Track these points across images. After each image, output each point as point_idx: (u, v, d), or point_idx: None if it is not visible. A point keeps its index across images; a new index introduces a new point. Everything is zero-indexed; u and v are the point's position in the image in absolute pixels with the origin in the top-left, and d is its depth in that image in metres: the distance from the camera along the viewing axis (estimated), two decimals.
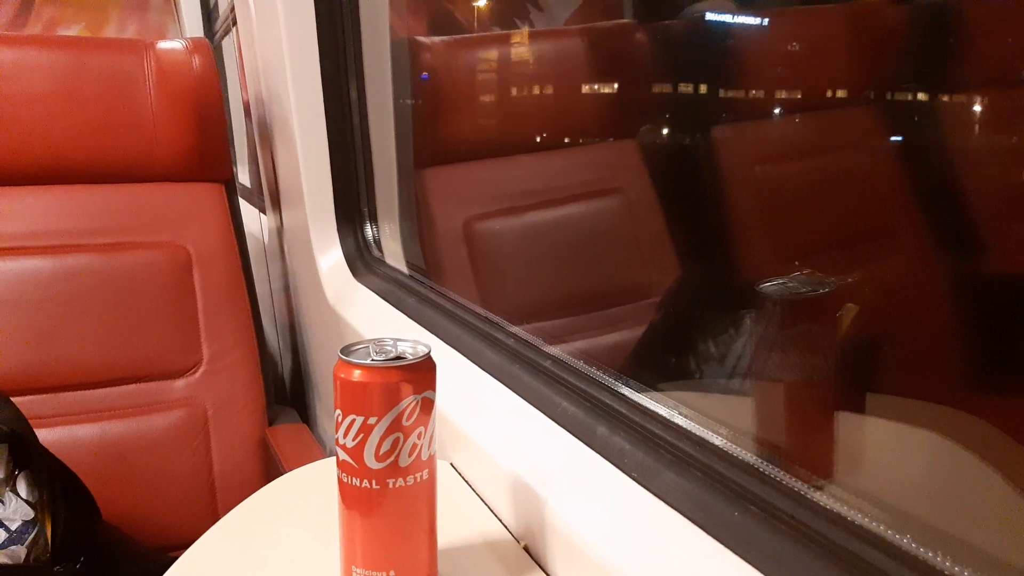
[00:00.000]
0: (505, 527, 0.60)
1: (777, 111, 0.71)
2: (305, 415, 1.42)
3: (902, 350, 0.55)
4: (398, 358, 0.48)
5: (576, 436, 0.59)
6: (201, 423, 1.17)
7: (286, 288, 1.48)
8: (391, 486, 0.48)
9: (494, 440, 0.64)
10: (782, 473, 0.45)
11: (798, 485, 0.44)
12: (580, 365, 0.66)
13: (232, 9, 1.59)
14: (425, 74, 1.19)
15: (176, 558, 0.59)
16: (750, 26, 0.75)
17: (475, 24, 1.46)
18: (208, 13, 2.45)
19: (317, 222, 1.20)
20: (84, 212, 1.23)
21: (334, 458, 0.50)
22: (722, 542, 0.44)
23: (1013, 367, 0.48)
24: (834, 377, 0.54)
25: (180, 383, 1.18)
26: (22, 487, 0.86)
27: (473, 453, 0.66)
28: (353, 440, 0.47)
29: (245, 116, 1.67)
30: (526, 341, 0.74)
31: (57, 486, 0.88)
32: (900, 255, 0.60)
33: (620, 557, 0.47)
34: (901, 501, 0.42)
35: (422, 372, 0.48)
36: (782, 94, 0.68)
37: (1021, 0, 0.46)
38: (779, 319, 0.57)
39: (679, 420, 0.54)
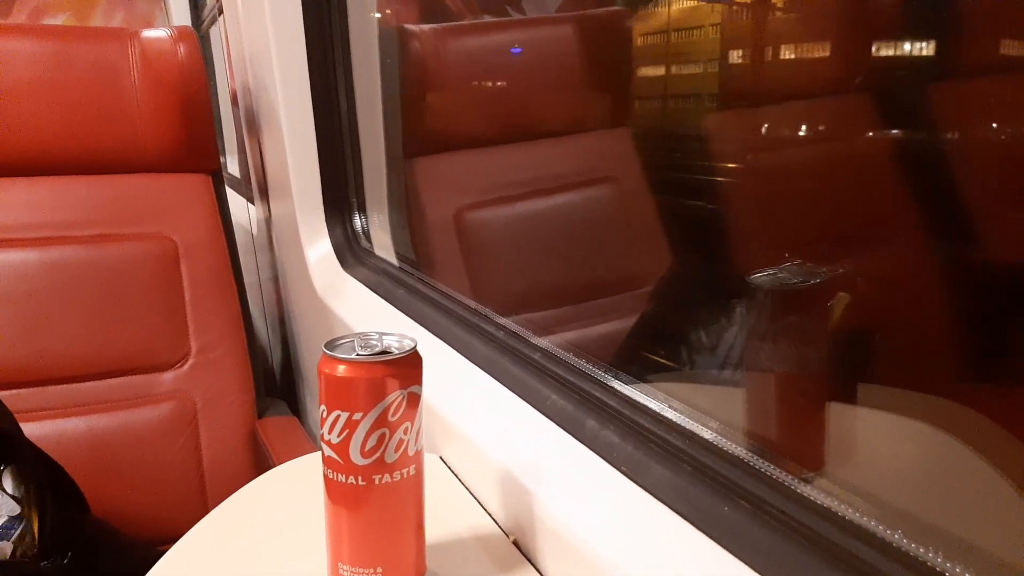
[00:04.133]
0: (495, 521, 0.60)
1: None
2: (295, 407, 1.41)
3: (894, 340, 0.54)
4: (383, 352, 0.48)
5: (565, 429, 0.58)
6: (190, 416, 1.16)
7: (275, 279, 1.47)
8: (377, 482, 0.47)
9: (483, 433, 0.64)
10: (772, 467, 0.45)
11: (788, 479, 0.44)
12: (569, 358, 0.65)
13: None
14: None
15: (165, 552, 0.59)
16: None
17: (465, 11, 1.44)
18: (195, 1, 2.43)
19: (305, 212, 1.19)
20: (69, 204, 1.21)
21: None
22: (712, 537, 0.44)
23: (1005, 357, 0.47)
24: (825, 369, 0.54)
25: (168, 376, 1.18)
26: (8, 482, 0.86)
27: (463, 446, 0.66)
28: (338, 436, 0.47)
29: (232, 105, 1.65)
30: (515, 333, 0.74)
31: (44, 481, 0.87)
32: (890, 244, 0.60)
33: (610, 552, 0.46)
34: (892, 495, 0.42)
35: (408, 367, 0.48)
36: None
37: None
38: (770, 310, 0.57)
39: (669, 414, 0.53)
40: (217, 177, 1.32)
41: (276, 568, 0.56)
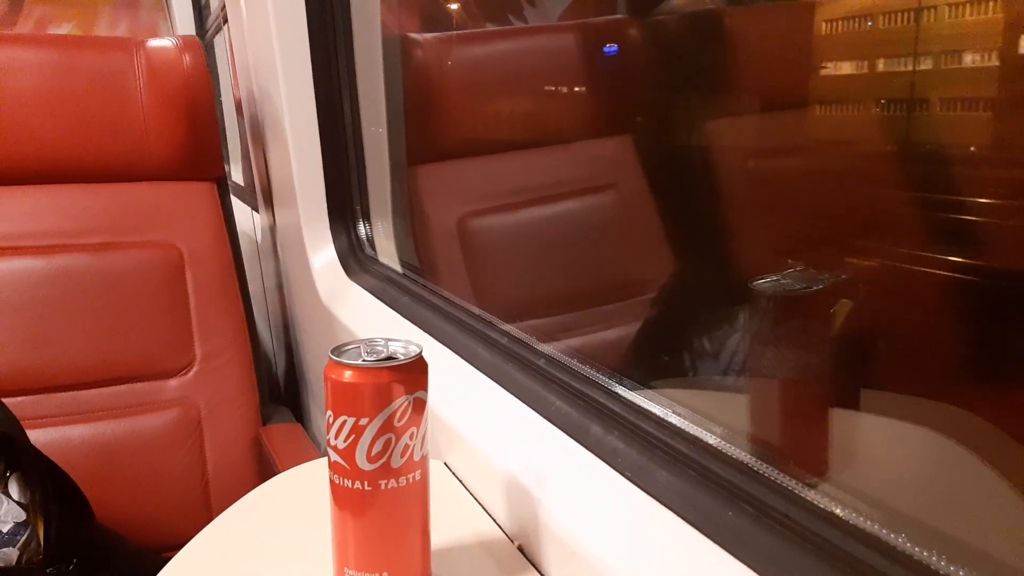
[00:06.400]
0: (499, 527, 0.60)
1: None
2: (299, 414, 1.42)
3: (896, 346, 0.55)
4: (389, 358, 0.48)
5: (570, 435, 0.59)
6: (195, 423, 1.16)
7: (279, 286, 1.48)
8: (383, 487, 0.48)
9: (488, 439, 0.64)
10: (776, 472, 0.45)
11: (792, 484, 0.44)
12: (573, 363, 0.65)
13: (223, 7, 1.58)
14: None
15: (170, 558, 0.59)
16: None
17: (467, 20, 1.45)
18: (199, 11, 2.44)
19: (310, 220, 1.19)
20: (75, 212, 1.22)
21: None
22: (716, 541, 0.44)
23: (1007, 362, 0.48)
24: (828, 374, 0.54)
25: (173, 383, 1.18)
26: (14, 489, 0.86)
27: (467, 452, 0.66)
28: (344, 441, 0.47)
29: (237, 114, 1.66)
30: (519, 339, 0.74)
31: (49, 487, 0.87)
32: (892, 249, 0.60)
33: (614, 557, 0.47)
34: (895, 499, 0.42)
35: (414, 372, 0.48)
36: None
37: None
38: (773, 316, 0.57)
39: (673, 419, 0.53)
40: (222, 185, 1.32)
41: (281, 574, 0.56)
